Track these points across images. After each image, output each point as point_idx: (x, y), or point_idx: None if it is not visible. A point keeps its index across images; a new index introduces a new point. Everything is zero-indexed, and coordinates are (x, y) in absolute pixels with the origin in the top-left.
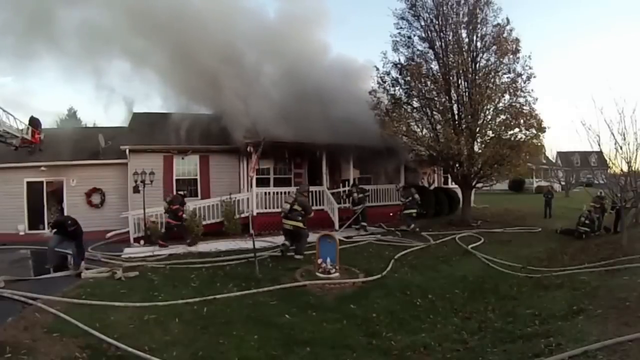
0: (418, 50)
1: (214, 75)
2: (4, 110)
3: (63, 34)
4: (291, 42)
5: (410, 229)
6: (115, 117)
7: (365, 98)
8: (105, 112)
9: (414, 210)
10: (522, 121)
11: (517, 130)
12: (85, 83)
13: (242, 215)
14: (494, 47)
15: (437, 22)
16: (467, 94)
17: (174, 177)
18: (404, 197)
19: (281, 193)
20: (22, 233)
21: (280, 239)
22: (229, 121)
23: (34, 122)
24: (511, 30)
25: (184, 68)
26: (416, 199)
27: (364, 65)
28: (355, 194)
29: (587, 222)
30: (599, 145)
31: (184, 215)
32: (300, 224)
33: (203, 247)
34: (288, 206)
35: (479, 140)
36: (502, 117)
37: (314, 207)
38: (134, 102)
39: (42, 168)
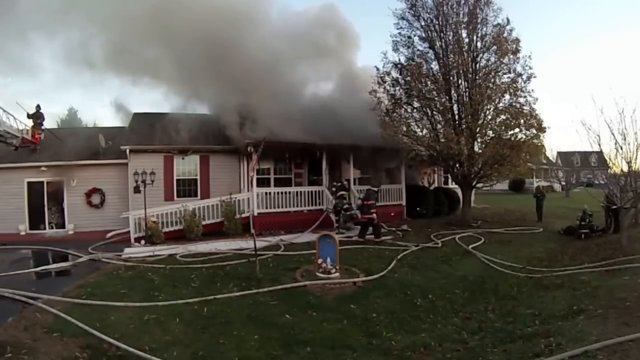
0: (418, 50)
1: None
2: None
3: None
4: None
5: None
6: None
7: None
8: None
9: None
10: (522, 121)
11: (517, 130)
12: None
13: (243, 216)
14: (494, 47)
15: (437, 22)
16: (467, 94)
17: (175, 177)
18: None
19: (282, 193)
20: (23, 233)
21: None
22: (229, 121)
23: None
24: (511, 30)
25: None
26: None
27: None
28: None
29: (582, 223)
30: (599, 145)
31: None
32: None
33: (203, 247)
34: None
35: (479, 140)
36: (502, 117)
37: (313, 207)
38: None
39: (43, 168)
